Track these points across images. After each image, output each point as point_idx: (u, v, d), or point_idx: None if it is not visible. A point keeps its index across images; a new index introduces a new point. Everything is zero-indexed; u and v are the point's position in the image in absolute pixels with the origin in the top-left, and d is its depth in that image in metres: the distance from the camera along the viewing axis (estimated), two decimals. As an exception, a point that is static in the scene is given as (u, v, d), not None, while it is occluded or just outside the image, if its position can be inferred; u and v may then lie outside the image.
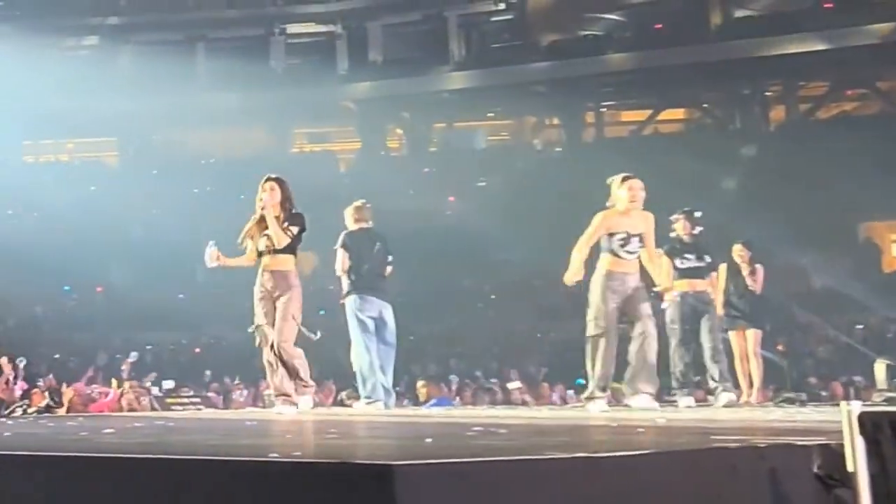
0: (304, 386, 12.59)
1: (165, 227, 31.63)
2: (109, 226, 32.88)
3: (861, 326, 28.08)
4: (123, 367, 21.34)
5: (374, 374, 14.11)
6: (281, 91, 39.63)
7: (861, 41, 35.62)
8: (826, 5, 37.87)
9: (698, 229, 14.72)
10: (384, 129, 43.64)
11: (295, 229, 12.60)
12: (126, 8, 41.12)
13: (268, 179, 12.67)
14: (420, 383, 20.26)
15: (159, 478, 5.75)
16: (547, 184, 35.47)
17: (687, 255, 14.54)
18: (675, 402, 14.03)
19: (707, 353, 14.41)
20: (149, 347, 28.89)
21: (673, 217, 14.81)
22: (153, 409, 18.96)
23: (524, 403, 20.14)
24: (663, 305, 14.56)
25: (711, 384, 14.46)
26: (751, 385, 16.55)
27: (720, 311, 15.24)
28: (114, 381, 20.20)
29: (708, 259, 14.71)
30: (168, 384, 22.85)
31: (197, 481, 5.60)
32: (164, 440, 8.46)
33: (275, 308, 12.46)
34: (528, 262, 31.88)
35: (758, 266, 16.69)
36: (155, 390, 21.31)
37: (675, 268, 14.51)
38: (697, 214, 14.76)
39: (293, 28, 42.14)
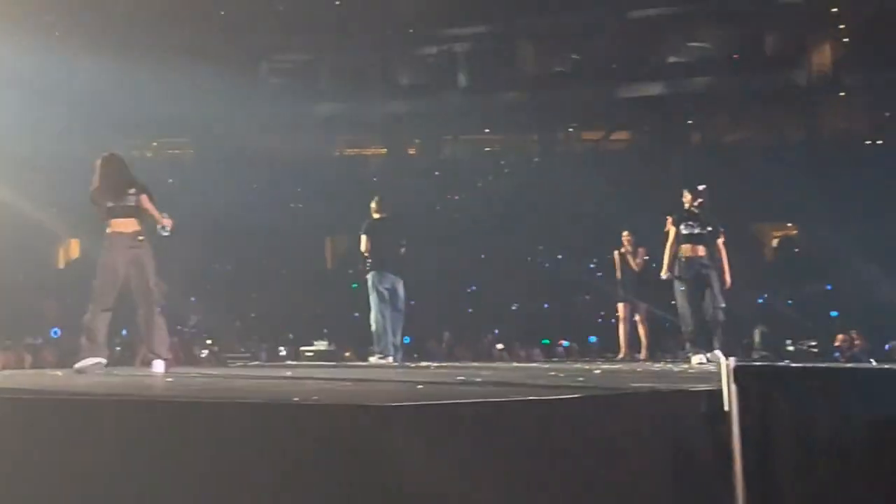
0: None
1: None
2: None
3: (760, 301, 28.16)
4: None
5: (386, 335, 14.27)
6: (326, 105, 39.64)
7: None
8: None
9: (699, 201, 13.59)
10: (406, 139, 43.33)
11: None
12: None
13: None
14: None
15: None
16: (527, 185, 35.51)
17: (690, 223, 13.55)
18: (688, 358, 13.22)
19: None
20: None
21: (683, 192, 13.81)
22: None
23: (502, 360, 20.31)
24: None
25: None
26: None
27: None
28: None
29: (709, 228, 13.60)
30: None
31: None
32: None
33: None
34: (517, 249, 32.04)
35: (640, 249, 16.76)
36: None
37: (680, 233, 13.63)
38: (700, 187, 13.72)
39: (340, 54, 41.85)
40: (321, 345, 22.59)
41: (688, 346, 13.39)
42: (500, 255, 32.50)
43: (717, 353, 12.49)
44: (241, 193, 33.98)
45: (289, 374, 9.81)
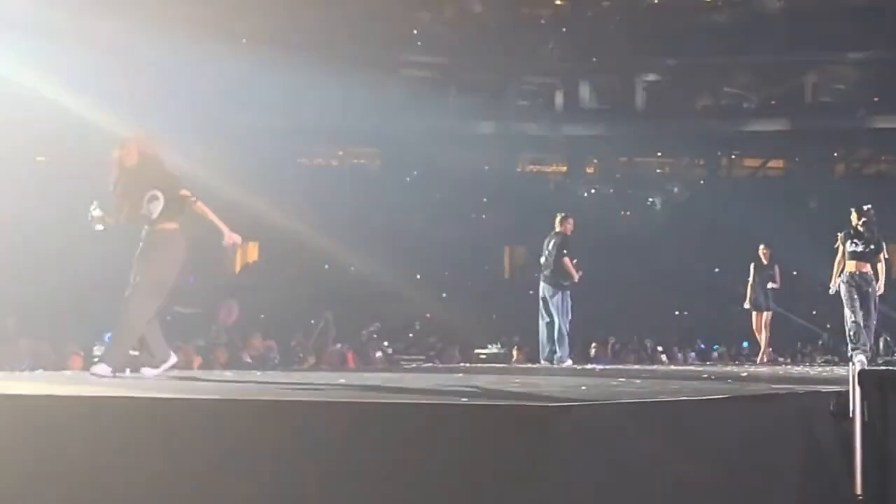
0: None
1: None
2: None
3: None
4: None
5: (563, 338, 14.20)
6: (512, 124, 39.58)
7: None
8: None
9: (863, 220, 13.15)
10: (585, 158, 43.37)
11: None
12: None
13: None
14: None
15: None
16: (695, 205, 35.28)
17: (856, 241, 13.16)
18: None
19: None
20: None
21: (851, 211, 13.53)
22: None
23: (662, 362, 20.29)
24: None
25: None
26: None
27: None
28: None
29: (872, 246, 13.14)
30: None
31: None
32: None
33: None
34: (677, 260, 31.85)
35: (776, 265, 16.70)
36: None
37: (846, 251, 13.27)
38: (866, 207, 13.25)
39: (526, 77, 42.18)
40: (494, 348, 22.59)
41: (851, 350, 12.99)
42: (664, 266, 32.41)
43: (861, 358, 12.14)
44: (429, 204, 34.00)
45: (460, 375, 9.62)
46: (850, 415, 6.39)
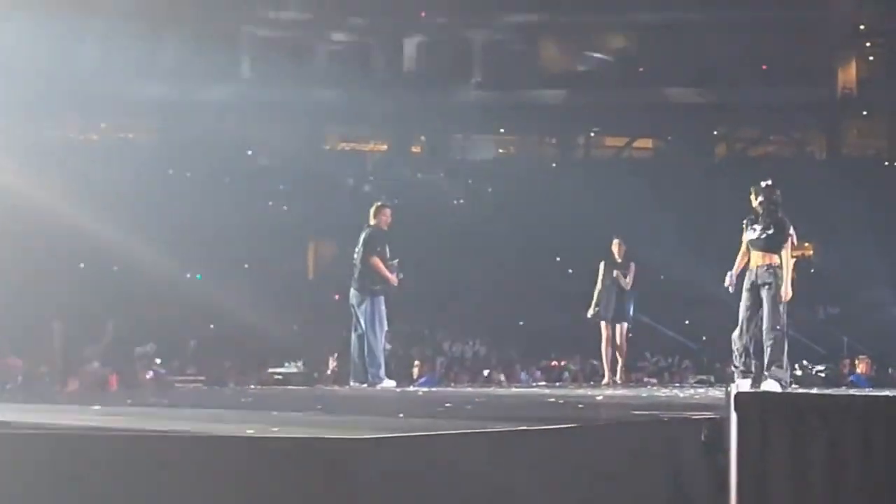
0: None
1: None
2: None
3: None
4: None
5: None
6: (320, 91, 39.16)
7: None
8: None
9: (760, 199, 12.34)
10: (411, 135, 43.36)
11: None
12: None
13: None
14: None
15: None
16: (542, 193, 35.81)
17: (754, 227, 12.32)
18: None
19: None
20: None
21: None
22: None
23: (500, 383, 20.43)
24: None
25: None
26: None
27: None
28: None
29: (770, 231, 12.26)
30: None
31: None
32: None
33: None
34: (521, 259, 32.28)
35: (631, 263, 16.36)
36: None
37: (747, 240, 12.53)
38: (765, 184, 12.41)
39: (336, 35, 41.89)
40: (293, 367, 22.47)
41: (734, 370, 12.50)
42: (506, 266, 32.78)
43: (771, 381, 11.65)
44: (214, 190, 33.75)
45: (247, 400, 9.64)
46: (725, 446, 6.50)
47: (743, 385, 11.62)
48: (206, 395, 12.80)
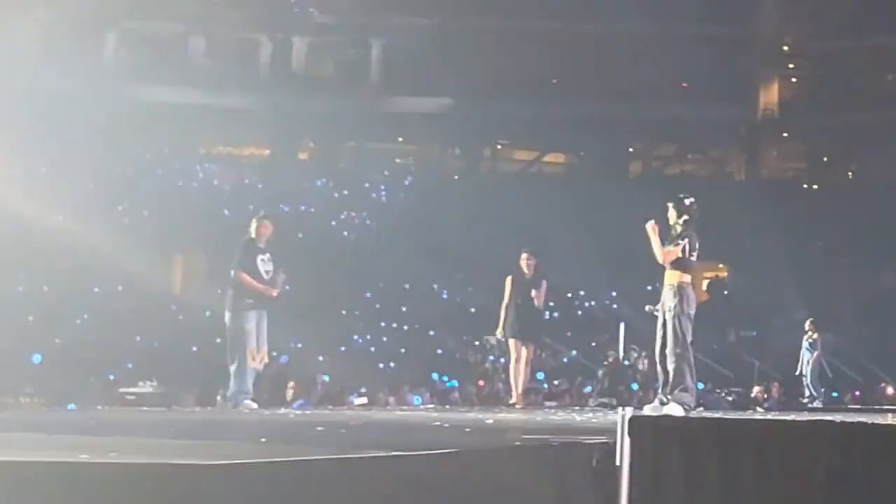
0: None
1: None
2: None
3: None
4: None
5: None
6: (199, 91, 39.10)
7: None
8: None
9: (683, 217, 12.45)
10: (298, 140, 43.28)
11: None
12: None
13: None
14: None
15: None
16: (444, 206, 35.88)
17: (674, 244, 12.49)
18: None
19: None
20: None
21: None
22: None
23: (387, 405, 20.45)
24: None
25: None
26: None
27: None
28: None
29: (680, 242, 12.37)
30: None
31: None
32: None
33: None
34: (418, 276, 32.30)
35: (543, 281, 16.35)
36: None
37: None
38: (688, 202, 12.57)
39: (217, 30, 41.63)
40: (148, 386, 22.25)
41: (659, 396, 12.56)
42: (398, 284, 32.76)
43: (674, 405, 11.78)
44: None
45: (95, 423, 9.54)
46: (617, 470, 6.58)
47: (655, 410, 11.78)
48: (44, 416, 12.44)
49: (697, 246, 12.40)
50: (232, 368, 13.64)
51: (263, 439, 7.42)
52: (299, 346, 24.82)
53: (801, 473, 6.39)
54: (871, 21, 39.80)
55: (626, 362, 23.43)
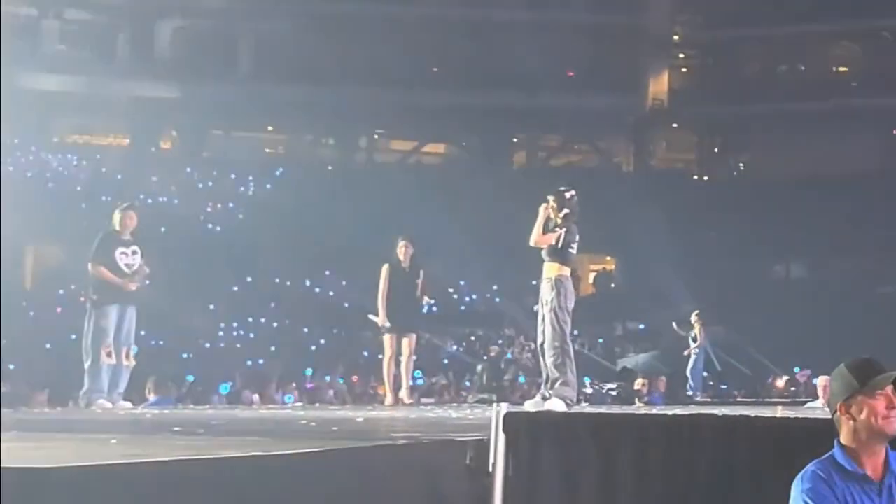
0: None
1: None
2: None
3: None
4: None
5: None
6: (52, 77, 38.69)
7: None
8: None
9: (564, 210, 12.45)
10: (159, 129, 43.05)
11: None
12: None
13: None
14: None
15: None
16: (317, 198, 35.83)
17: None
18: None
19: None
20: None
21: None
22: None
23: (252, 404, 20.37)
24: None
25: None
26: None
27: None
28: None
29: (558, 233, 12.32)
30: None
31: None
32: None
33: None
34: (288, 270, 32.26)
35: (421, 270, 16.18)
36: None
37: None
38: (569, 195, 12.52)
39: (72, 13, 41.14)
40: None
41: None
42: (269, 279, 32.66)
43: (555, 400, 11.76)
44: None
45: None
46: (490, 469, 6.59)
47: (536, 405, 11.81)
48: None
49: (577, 239, 12.38)
50: (86, 365, 13.53)
51: (114, 440, 7.23)
52: (161, 343, 24.69)
53: (682, 467, 6.45)
54: (763, 11, 40.66)
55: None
